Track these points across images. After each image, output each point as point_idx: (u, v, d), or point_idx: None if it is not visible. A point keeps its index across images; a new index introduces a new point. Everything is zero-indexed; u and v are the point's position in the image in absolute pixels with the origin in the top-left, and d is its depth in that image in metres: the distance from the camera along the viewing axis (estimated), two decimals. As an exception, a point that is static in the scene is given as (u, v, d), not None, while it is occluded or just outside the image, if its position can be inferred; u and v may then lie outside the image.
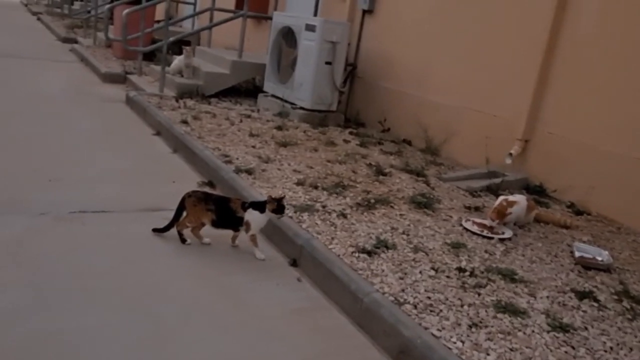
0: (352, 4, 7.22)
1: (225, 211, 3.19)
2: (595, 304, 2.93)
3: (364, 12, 7.08)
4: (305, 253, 3.16)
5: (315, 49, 6.27)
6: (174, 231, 3.26)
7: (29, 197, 3.62)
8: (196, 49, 8.57)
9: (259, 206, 3.17)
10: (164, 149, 5.18)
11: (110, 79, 8.08)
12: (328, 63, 6.37)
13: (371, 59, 7.00)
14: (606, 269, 3.41)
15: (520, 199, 3.96)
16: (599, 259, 3.45)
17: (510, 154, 5.13)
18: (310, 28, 6.34)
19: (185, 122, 5.58)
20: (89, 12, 12.90)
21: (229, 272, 3.07)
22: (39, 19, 16.11)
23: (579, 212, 4.51)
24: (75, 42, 11.36)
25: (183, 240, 3.27)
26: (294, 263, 3.24)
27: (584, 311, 2.84)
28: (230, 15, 8.27)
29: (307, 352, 2.46)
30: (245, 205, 3.20)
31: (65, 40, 11.82)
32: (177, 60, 7.64)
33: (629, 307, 2.97)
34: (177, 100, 6.67)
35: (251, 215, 3.16)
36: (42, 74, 8.06)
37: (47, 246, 3.02)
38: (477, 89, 5.63)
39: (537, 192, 4.87)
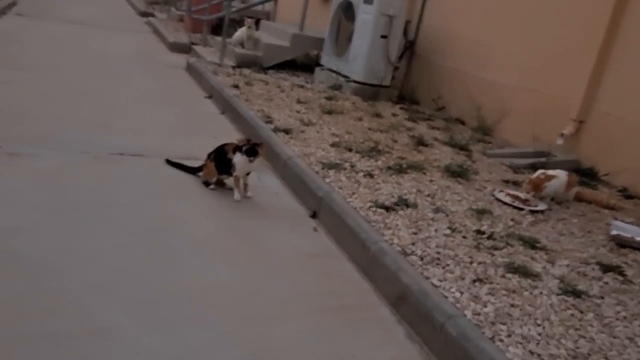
0: (416, -21, 7.11)
1: (222, 158, 3.27)
2: (620, 278, 2.78)
3: (427, -12, 6.95)
4: (324, 205, 3.19)
5: (372, 21, 6.24)
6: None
7: (75, 138, 3.84)
8: (261, 23, 8.71)
9: (246, 150, 3.19)
10: (213, 110, 5.33)
11: (177, 48, 8.38)
12: (384, 37, 6.32)
13: (431, 37, 6.87)
14: (644, 247, 3.23)
15: (559, 174, 3.80)
16: (638, 238, 3.26)
17: (562, 134, 4.92)
18: (368, 1, 6.30)
19: (236, 86, 5.71)
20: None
21: (248, 217, 3.15)
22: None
23: (629, 197, 4.27)
24: (152, 15, 11.83)
25: (207, 184, 3.39)
26: (313, 215, 3.27)
27: (605, 282, 2.71)
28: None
29: (310, 289, 2.50)
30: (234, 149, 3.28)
31: (143, 14, 12.34)
32: (239, 32, 7.81)
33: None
34: (233, 69, 6.83)
35: (236, 158, 3.22)
36: (117, 41, 8.46)
37: (80, 179, 3.20)
38: (534, 68, 5.42)
39: (587, 175, 4.64)
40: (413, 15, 7.05)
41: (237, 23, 8.69)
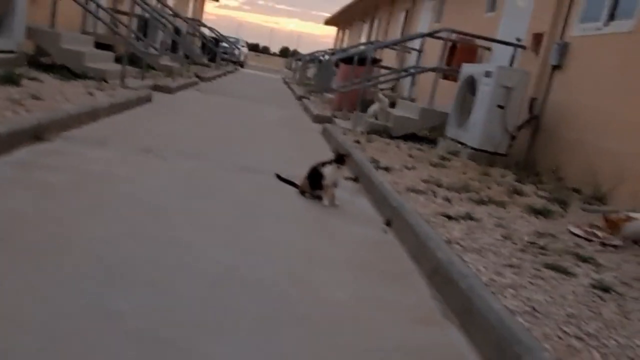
0: (544, 60, 7.50)
1: (315, 175, 3.90)
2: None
3: (553, 67, 7.30)
4: (396, 213, 3.66)
5: (490, 92, 6.71)
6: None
7: (215, 158, 4.79)
8: (398, 101, 9.56)
9: (332, 162, 3.84)
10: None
11: (319, 119, 9.47)
12: (500, 107, 6.73)
13: (556, 112, 7.12)
14: None
15: (641, 216, 3.86)
16: None
17: (671, 198, 4.84)
18: (488, 74, 6.82)
19: (357, 142, 6.46)
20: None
21: (330, 213, 3.74)
22: (288, 85, 19.09)
23: None
24: (306, 98, 13.36)
25: (302, 193, 4.06)
26: (388, 223, 3.74)
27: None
28: (426, 69, 9.11)
29: (360, 258, 2.97)
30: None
31: (300, 98, 13.96)
32: (374, 106, 8.70)
33: None
34: (362, 134, 7.62)
35: (325, 169, 3.82)
36: (274, 113, 9.88)
37: (210, 179, 4.07)
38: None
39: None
40: (540, 93, 7.39)
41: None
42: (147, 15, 11.87)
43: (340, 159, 3.85)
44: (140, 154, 4.33)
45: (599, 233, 3.80)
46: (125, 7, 11.61)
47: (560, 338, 2.06)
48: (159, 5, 12.86)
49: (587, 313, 2.35)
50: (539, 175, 6.84)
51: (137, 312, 1.94)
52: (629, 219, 3.81)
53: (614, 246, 3.65)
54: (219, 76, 16.74)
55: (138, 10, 11.15)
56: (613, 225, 3.75)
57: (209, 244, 2.74)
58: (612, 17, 6.44)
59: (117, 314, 1.91)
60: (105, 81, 7.51)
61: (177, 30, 14.11)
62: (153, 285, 2.18)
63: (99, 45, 9.71)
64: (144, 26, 12.33)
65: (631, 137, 5.73)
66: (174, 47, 14.66)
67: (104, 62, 8.69)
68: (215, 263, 2.52)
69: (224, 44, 22.50)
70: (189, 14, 22.78)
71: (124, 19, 9.92)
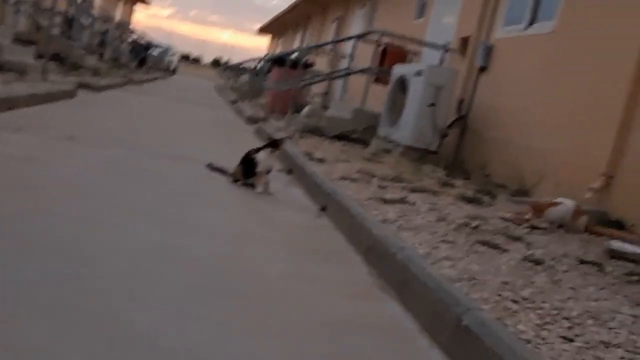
0: (471, 62, 7.73)
1: (248, 162, 3.80)
2: (596, 269, 2.93)
3: (479, 69, 7.53)
4: (331, 199, 3.60)
5: (420, 90, 6.83)
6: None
7: (141, 144, 4.59)
8: (332, 102, 9.60)
9: (265, 147, 3.75)
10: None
11: (253, 120, 9.34)
12: (431, 105, 6.86)
13: (481, 111, 7.34)
14: (636, 260, 3.32)
15: (566, 201, 4.00)
16: (632, 250, 3.38)
17: (591, 188, 5.07)
18: (418, 74, 6.95)
19: (290, 138, 6.39)
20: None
21: (263, 199, 3.64)
22: (220, 91, 18.85)
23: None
24: (239, 102, 13.21)
25: (235, 181, 3.94)
26: (322, 209, 3.68)
27: (575, 266, 2.87)
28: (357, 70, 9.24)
29: (293, 238, 2.89)
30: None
31: (233, 102, 13.78)
32: (307, 108, 8.70)
33: (635, 279, 2.90)
34: (296, 132, 7.57)
35: (258, 155, 3.74)
36: (207, 114, 9.69)
37: (138, 166, 3.88)
38: (570, 131, 5.69)
39: (615, 226, 4.71)
40: (467, 93, 7.60)
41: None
42: (71, 13, 11.40)
43: (274, 143, 3.76)
44: (62, 141, 4.07)
45: (527, 217, 3.90)
46: (48, 3, 11.09)
47: (497, 302, 2.05)
48: (85, 4, 12.38)
49: (521, 281, 2.37)
50: (467, 172, 7.02)
51: (54, 284, 1.77)
52: (554, 204, 3.94)
53: (542, 229, 3.76)
54: (149, 80, 16.29)
55: (62, 7, 10.67)
56: (539, 211, 3.86)
57: (136, 223, 2.59)
58: (533, 19, 6.73)
59: (32, 285, 1.73)
60: (26, 74, 7.09)
61: (104, 32, 13.63)
62: (72, 259, 2.01)
63: (22, 43, 9.19)
64: (69, 24, 11.81)
65: (552, 134, 5.98)
66: (101, 48, 14.15)
67: (24, 56, 8.22)
68: (143, 240, 2.38)
69: (155, 50, 21.98)
70: (117, 18, 22.10)
71: (48, 15, 9.46)
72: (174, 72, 29.50)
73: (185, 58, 60.65)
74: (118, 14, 23.29)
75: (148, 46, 20.05)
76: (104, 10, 16.96)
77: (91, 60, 12.09)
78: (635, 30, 4.96)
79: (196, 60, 69.33)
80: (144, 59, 19.12)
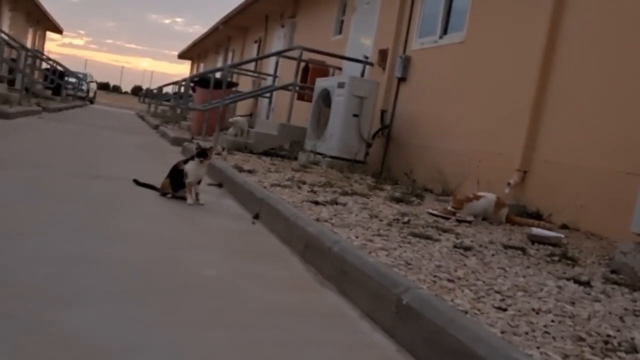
0: (390, 74, 7.99)
1: (176, 173, 3.75)
2: (520, 252, 3.07)
3: (399, 80, 7.80)
4: (264, 205, 3.60)
5: (344, 102, 6.97)
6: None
7: (64, 166, 4.40)
8: (257, 121, 9.60)
9: (193, 157, 3.69)
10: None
11: (178, 142, 9.18)
12: (355, 115, 7.01)
13: (403, 120, 7.58)
14: (554, 243, 3.51)
15: (487, 195, 4.19)
16: (551, 234, 3.57)
17: (509, 184, 5.33)
18: (341, 85, 7.10)
19: (219, 154, 6.34)
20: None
21: (195, 209, 3.58)
22: (142, 118, 18.41)
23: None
24: (163, 126, 12.95)
25: (164, 194, 3.84)
26: (256, 216, 3.66)
27: (501, 251, 3.00)
28: (281, 86, 9.31)
29: (231, 244, 2.86)
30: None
31: (156, 127, 13.49)
32: (232, 128, 8.67)
33: (556, 259, 3.06)
34: (223, 149, 7.51)
35: (187, 166, 3.69)
36: (130, 139, 9.40)
37: (61, 184, 3.71)
38: (485, 133, 5.99)
39: (533, 217, 4.97)
40: (389, 105, 7.84)
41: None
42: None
43: (203, 153, 3.71)
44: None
45: (454, 211, 4.05)
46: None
47: (433, 281, 2.11)
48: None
49: (454, 264, 2.45)
50: (395, 179, 7.20)
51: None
52: (477, 197, 4.11)
53: (468, 222, 3.91)
54: (66, 109, 15.71)
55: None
56: (459, 204, 4.02)
57: (63, 234, 2.47)
58: (445, 30, 7.07)
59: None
60: None
61: (14, 59, 13.03)
62: (-7, 271, 1.89)
63: None
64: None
65: (469, 136, 6.27)
66: (10, 76, 13.50)
67: None
68: (70, 248, 2.28)
69: (71, 78, 21.20)
70: (28, 46, 21.18)
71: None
72: (91, 101, 28.54)
73: (104, 86, 58.94)
74: (29, 42, 22.33)
75: (63, 74, 19.29)
76: (13, 38, 16.22)
77: (0, 89, 11.52)
78: (538, 37, 5.32)
79: (116, 89, 67.49)
80: (59, 87, 18.38)
